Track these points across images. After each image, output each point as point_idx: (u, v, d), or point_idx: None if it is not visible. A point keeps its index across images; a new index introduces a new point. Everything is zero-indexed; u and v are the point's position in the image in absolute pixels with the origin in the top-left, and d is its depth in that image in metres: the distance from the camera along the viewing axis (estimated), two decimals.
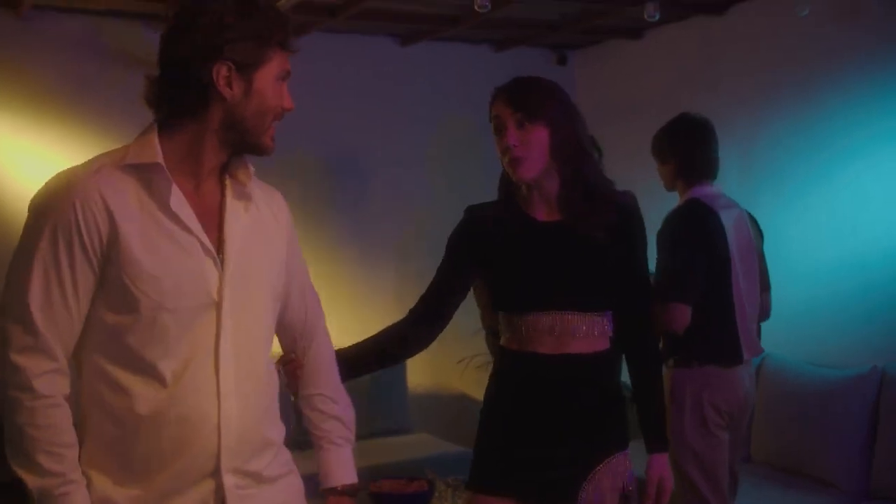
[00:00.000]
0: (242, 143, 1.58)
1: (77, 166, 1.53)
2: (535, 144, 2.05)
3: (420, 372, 4.82)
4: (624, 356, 2.27)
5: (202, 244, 1.55)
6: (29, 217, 1.49)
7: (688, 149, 3.00)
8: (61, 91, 4.07)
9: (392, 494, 3.09)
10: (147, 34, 4.18)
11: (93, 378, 1.52)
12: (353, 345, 2.22)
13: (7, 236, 3.94)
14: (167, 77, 1.55)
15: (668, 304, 2.78)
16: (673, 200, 3.10)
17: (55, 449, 1.46)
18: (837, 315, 3.82)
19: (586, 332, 2.09)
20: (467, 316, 4.53)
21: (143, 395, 1.50)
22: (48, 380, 1.46)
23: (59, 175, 1.51)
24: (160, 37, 1.57)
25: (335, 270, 4.58)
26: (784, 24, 4.08)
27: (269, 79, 1.54)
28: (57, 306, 1.46)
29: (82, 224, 1.46)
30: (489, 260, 2.15)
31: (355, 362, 2.15)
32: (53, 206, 1.47)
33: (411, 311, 2.27)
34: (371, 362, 2.26)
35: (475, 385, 4.40)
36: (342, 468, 1.80)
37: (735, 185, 3.15)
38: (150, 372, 1.50)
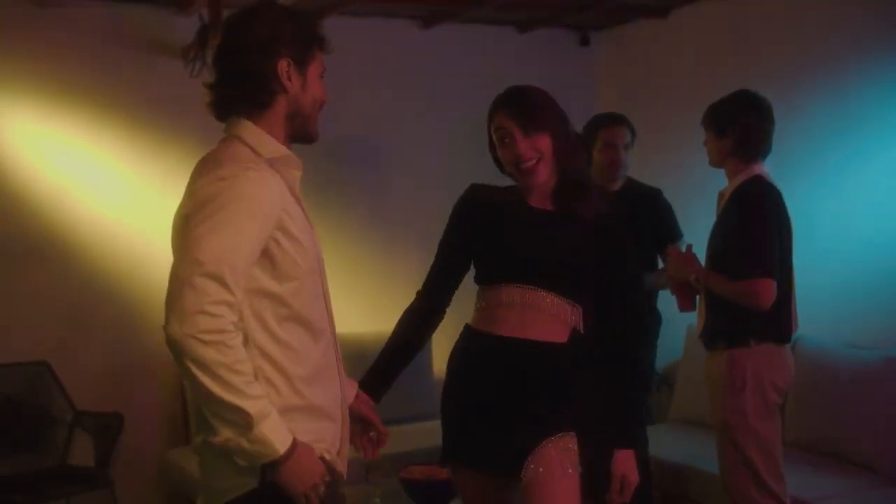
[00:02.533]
0: (300, 131, 1.83)
1: (245, 166, 1.70)
2: (544, 151, 2.21)
3: (445, 357, 4.78)
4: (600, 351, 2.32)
5: (308, 218, 1.83)
6: (233, 200, 1.66)
7: (749, 125, 2.96)
8: (84, 78, 4.05)
9: (423, 481, 3.08)
10: (169, 20, 4.17)
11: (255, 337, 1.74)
12: (380, 360, 2.36)
13: (37, 221, 4.08)
14: (235, 81, 1.78)
15: (753, 281, 2.80)
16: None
17: (252, 378, 1.66)
18: (873, 295, 3.76)
19: (550, 313, 2.20)
20: None
21: (304, 349, 1.78)
22: (237, 329, 1.66)
23: (248, 174, 1.69)
24: (217, 46, 1.80)
25: (359, 254, 4.56)
26: (815, 1, 4.00)
27: (316, 75, 1.82)
28: (240, 273, 1.65)
29: (271, 210, 1.70)
30: (479, 235, 2.29)
31: (392, 374, 2.36)
32: (257, 196, 1.68)
33: (418, 295, 2.40)
34: (400, 367, 2.40)
35: None
36: None
37: (769, 165, 3.11)
38: (308, 328, 1.80)
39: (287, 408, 1.74)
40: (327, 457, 1.81)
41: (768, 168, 3.02)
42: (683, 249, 3.16)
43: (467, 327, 2.35)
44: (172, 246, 1.78)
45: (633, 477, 2.24)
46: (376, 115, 4.59)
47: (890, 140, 3.73)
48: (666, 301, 3.40)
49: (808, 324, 3.57)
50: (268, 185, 1.70)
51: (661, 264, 3.51)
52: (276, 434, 1.66)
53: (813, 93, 4.02)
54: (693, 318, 3.20)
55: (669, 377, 4.43)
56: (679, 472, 3.74)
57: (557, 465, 2.15)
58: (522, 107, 2.22)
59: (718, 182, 3.12)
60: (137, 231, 4.17)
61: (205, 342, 1.59)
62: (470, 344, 2.32)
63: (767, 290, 2.80)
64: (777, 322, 2.91)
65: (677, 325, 3.85)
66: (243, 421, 1.62)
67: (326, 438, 1.83)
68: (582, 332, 2.25)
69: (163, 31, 4.17)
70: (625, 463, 2.24)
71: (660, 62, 4.86)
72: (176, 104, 4.20)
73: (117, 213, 4.14)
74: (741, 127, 2.95)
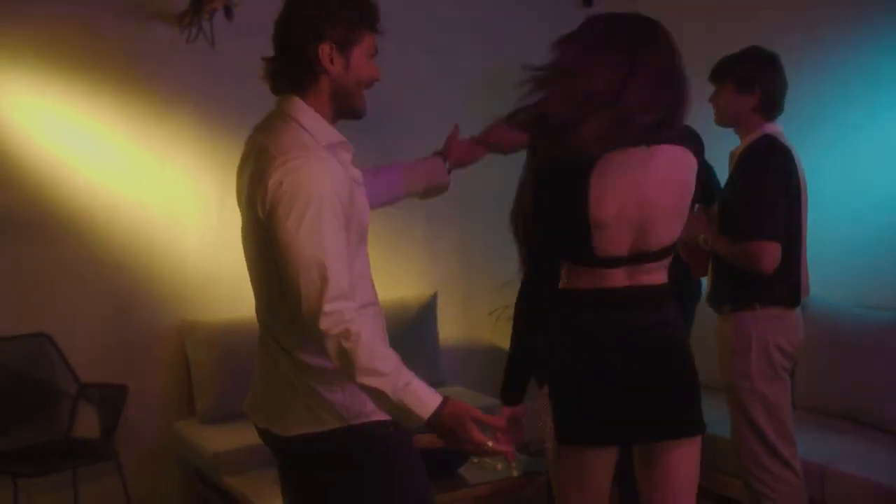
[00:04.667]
0: (345, 108, 1.95)
1: (310, 154, 1.84)
2: None
3: (451, 324, 4.76)
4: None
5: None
6: (303, 199, 1.78)
7: (773, 82, 2.90)
8: (79, 45, 3.95)
9: (430, 450, 3.04)
10: None
11: None
12: (510, 371, 2.29)
13: (36, 192, 4.01)
14: (284, 58, 1.92)
15: (755, 243, 2.74)
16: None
17: (385, 353, 1.82)
18: (885, 254, 3.70)
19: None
20: (497, 266, 4.51)
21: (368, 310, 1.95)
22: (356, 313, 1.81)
23: (309, 165, 1.81)
24: (274, 23, 1.93)
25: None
26: None
27: (362, 56, 1.92)
28: (344, 262, 1.83)
29: (343, 197, 1.84)
30: None
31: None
32: (328, 192, 1.81)
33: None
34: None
35: (506, 336, 4.31)
36: None
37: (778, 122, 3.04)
38: (371, 292, 2.00)
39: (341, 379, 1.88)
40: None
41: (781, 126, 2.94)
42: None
43: None
44: (241, 205, 1.97)
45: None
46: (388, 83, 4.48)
47: None
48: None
49: (819, 285, 3.50)
50: (335, 176, 1.83)
51: None
52: (416, 402, 1.79)
53: (821, 50, 3.93)
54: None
55: None
56: None
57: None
58: None
59: (727, 142, 3.04)
60: (138, 200, 4.12)
61: (333, 335, 1.78)
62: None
63: (770, 254, 2.74)
64: (784, 285, 2.85)
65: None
66: (383, 395, 1.78)
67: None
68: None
69: None
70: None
71: (667, 21, 4.73)
72: (173, 70, 4.13)
73: (117, 182, 4.07)
74: (768, 83, 2.88)
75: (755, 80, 2.87)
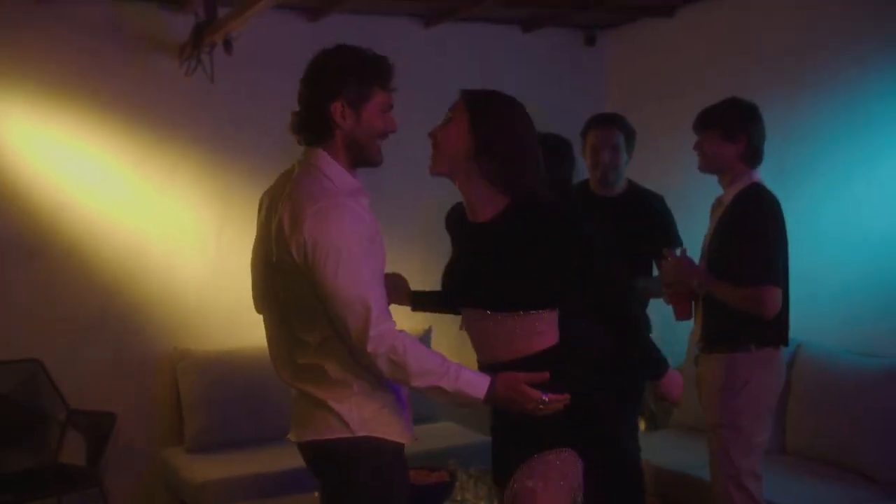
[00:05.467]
0: (360, 158, 2.15)
1: (336, 201, 2.03)
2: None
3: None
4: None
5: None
6: (335, 245, 2.00)
7: (758, 131, 2.97)
8: (80, 75, 4.03)
9: (413, 486, 3.02)
10: (166, 17, 4.14)
11: None
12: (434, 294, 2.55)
13: (33, 220, 4.05)
14: (306, 115, 2.13)
15: (760, 288, 2.82)
16: (711, 181, 3.00)
17: (431, 355, 2.04)
18: (876, 301, 3.68)
19: (501, 330, 2.16)
20: None
21: None
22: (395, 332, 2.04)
23: (338, 212, 2.03)
24: (300, 81, 2.13)
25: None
26: (820, 1, 3.92)
27: (375, 111, 2.12)
28: (381, 286, 2.07)
29: (366, 239, 2.05)
30: None
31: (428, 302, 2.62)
32: (351, 236, 2.03)
33: None
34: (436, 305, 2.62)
35: None
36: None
37: (769, 168, 3.05)
38: None
39: (382, 401, 2.12)
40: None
41: (764, 174, 3.00)
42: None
43: None
44: (262, 243, 2.17)
45: (673, 397, 2.37)
46: None
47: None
48: (659, 309, 3.32)
49: (812, 330, 3.50)
50: (359, 220, 2.04)
51: (656, 272, 3.41)
52: (470, 388, 2.03)
53: (819, 93, 3.94)
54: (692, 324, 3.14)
55: None
56: (675, 480, 3.68)
57: (537, 480, 2.10)
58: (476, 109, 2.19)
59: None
60: (134, 229, 4.15)
61: (380, 354, 2.00)
62: None
63: (773, 298, 2.82)
64: (776, 327, 2.91)
65: (680, 331, 3.77)
66: (441, 390, 2.03)
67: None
68: (562, 335, 2.18)
69: (159, 29, 4.15)
70: (667, 385, 2.35)
71: (667, 62, 4.79)
72: (172, 102, 4.17)
73: (115, 209, 4.11)
74: (753, 132, 2.95)
75: (741, 129, 2.94)
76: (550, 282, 2.11)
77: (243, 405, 4.08)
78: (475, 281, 2.17)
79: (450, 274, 2.29)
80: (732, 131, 2.93)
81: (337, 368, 2.08)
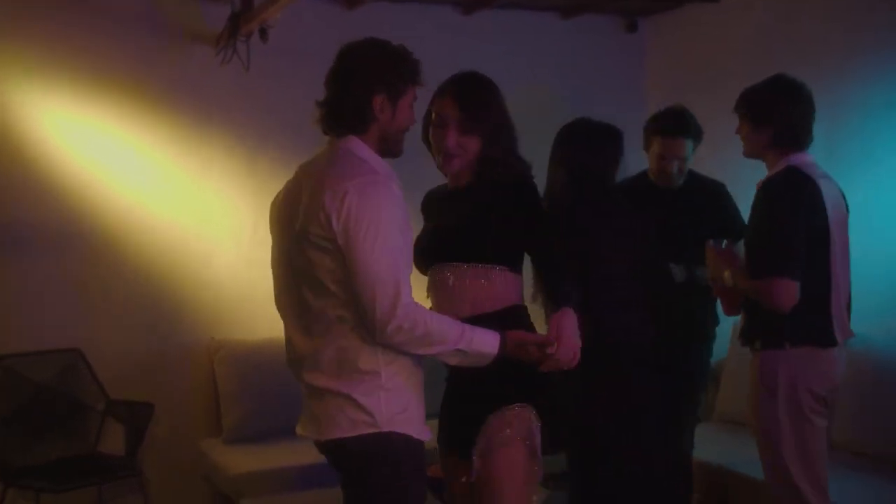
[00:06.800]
0: (387, 150, 2.21)
1: (377, 177, 2.10)
2: (469, 150, 2.39)
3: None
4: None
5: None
6: (375, 221, 2.04)
7: (789, 113, 2.75)
8: (117, 66, 4.03)
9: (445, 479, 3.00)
10: (205, 9, 4.13)
11: None
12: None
13: (71, 209, 4.07)
14: (338, 101, 2.17)
15: (769, 280, 2.64)
16: (757, 170, 2.88)
17: (448, 322, 2.14)
18: None
19: (468, 285, 2.32)
20: None
21: None
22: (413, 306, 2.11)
23: (379, 189, 2.08)
24: (329, 72, 2.17)
25: None
26: None
27: (406, 105, 2.20)
28: (409, 271, 2.15)
29: (402, 221, 2.12)
30: None
31: None
32: (391, 214, 2.09)
33: None
34: None
35: None
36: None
37: (821, 154, 2.92)
38: None
39: (408, 397, 2.17)
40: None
41: (813, 157, 2.81)
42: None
43: None
44: (282, 230, 2.21)
45: (567, 332, 2.26)
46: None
47: None
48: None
49: (861, 322, 3.37)
50: (397, 202, 2.10)
51: None
52: (485, 346, 2.15)
53: (867, 76, 3.81)
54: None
55: (715, 375, 4.27)
56: (719, 476, 3.59)
57: (502, 439, 2.25)
58: (467, 101, 2.33)
59: (752, 174, 2.94)
60: (171, 219, 4.15)
61: (406, 329, 2.06)
62: None
63: (784, 291, 2.62)
64: (815, 324, 2.71)
65: (724, 323, 3.69)
66: (462, 352, 2.14)
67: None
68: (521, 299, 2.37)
69: (195, 19, 4.13)
70: (560, 318, 2.26)
71: (711, 49, 4.67)
72: (210, 91, 4.16)
73: (153, 201, 4.12)
74: (780, 117, 2.74)
75: (766, 115, 2.76)
76: (506, 236, 2.31)
77: (280, 395, 4.04)
78: (446, 233, 2.37)
79: (420, 240, 2.39)
80: (759, 117, 2.77)
81: (367, 360, 2.11)
